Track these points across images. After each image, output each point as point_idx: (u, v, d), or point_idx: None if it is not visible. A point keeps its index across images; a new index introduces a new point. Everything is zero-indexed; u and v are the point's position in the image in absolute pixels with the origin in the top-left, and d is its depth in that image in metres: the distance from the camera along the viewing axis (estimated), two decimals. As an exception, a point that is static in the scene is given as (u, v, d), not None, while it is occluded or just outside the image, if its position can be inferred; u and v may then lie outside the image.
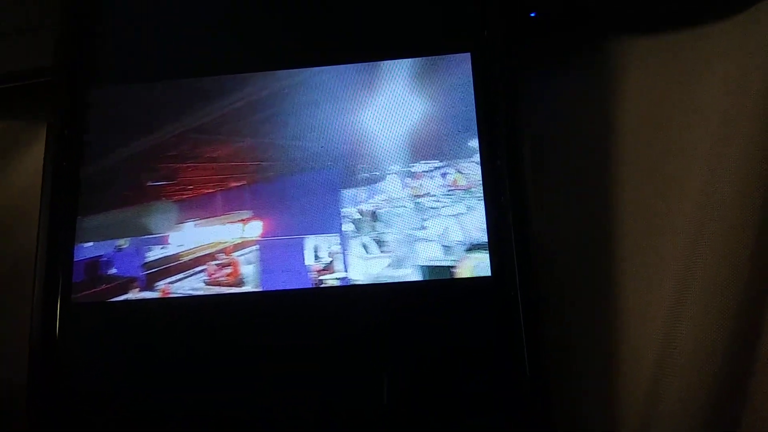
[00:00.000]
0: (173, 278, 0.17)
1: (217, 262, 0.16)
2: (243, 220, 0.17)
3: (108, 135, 0.17)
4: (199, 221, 0.17)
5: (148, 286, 0.17)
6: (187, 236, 0.17)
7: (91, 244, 0.17)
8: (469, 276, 0.16)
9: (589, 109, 0.20)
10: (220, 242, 0.17)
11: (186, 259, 0.17)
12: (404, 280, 0.16)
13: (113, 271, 0.17)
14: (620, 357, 0.18)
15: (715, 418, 0.16)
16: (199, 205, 0.17)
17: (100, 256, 0.17)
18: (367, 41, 0.17)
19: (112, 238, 0.17)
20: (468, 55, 0.17)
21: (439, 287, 0.16)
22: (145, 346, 0.16)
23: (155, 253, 0.17)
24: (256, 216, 0.17)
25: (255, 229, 0.17)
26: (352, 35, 0.18)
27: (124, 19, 0.18)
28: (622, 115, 0.19)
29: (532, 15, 0.19)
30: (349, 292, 0.16)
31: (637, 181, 0.19)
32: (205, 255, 0.17)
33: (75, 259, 0.17)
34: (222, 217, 0.17)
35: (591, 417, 0.17)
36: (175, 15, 0.18)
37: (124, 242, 0.17)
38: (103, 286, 0.17)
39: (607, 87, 0.20)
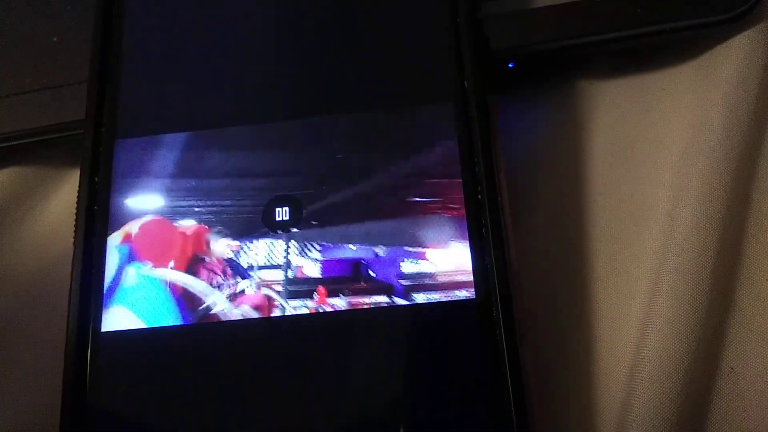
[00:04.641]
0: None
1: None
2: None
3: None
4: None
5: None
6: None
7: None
8: (454, 299, 0.17)
9: (563, 142, 0.22)
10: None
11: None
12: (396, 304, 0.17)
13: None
14: (596, 371, 0.19)
15: (682, 423, 0.18)
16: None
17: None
18: (351, 93, 0.19)
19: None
20: (450, 105, 0.18)
21: (424, 310, 0.17)
22: (190, 379, 0.17)
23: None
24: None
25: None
26: (342, 87, 0.19)
27: (150, 76, 0.20)
28: (595, 149, 0.21)
29: (510, 66, 0.21)
30: (332, 318, 0.17)
31: (610, 209, 0.21)
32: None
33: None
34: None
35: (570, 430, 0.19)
36: (200, 70, 0.20)
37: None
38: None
39: (578, 124, 0.22)
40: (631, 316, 0.19)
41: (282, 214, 0.18)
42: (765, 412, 0.18)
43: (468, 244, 0.17)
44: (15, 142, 0.23)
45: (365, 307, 0.17)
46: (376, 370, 0.17)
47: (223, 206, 0.19)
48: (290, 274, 0.18)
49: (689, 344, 0.18)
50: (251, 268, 0.18)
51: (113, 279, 0.18)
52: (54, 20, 0.24)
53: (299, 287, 0.18)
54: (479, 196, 0.17)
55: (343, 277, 0.18)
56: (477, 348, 0.16)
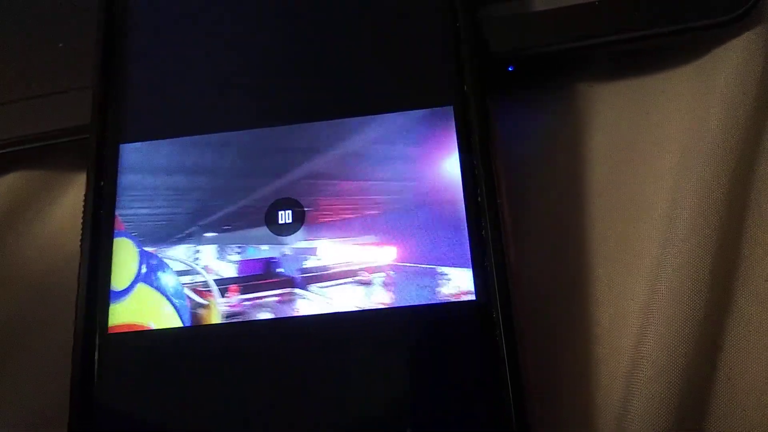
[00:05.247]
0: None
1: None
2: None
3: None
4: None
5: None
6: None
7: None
8: (454, 301, 0.17)
9: (562, 144, 0.22)
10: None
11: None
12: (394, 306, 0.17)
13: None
14: (596, 372, 0.19)
15: (681, 423, 0.18)
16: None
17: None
18: (350, 97, 0.19)
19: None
20: (450, 108, 0.18)
21: (424, 312, 0.17)
22: (196, 379, 0.17)
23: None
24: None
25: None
26: (342, 91, 0.20)
27: (154, 81, 0.21)
28: (594, 150, 0.21)
29: (510, 69, 0.21)
30: (334, 319, 0.17)
31: (610, 210, 0.21)
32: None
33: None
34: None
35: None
36: (206, 72, 0.20)
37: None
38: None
39: (577, 125, 0.22)
40: (630, 317, 0.19)
41: (285, 217, 0.19)
42: (764, 412, 0.18)
43: (468, 246, 0.17)
44: (22, 147, 0.24)
45: (367, 308, 0.17)
46: (375, 370, 0.17)
47: (227, 207, 0.19)
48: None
49: (688, 344, 0.18)
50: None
51: (120, 280, 0.19)
52: (59, 26, 0.25)
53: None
54: (479, 198, 0.18)
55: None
56: (477, 349, 0.17)
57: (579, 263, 0.20)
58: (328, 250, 0.18)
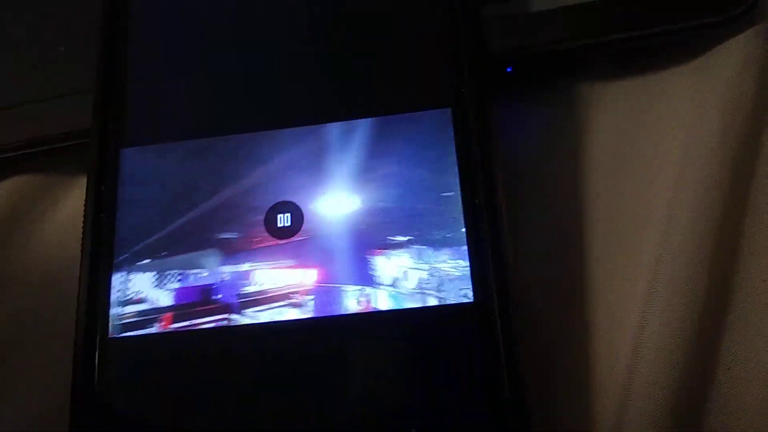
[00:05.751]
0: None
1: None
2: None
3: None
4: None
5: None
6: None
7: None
8: (452, 303, 0.17)
9: (562, 144, 0.22)
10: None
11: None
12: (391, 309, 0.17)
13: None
14: (595, 371, 0.19)
15: (679, 423, 0.18)
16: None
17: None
18: (349, 100, 0.19)
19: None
20: (448, 110, 0.18)
21: (421, 314, 0.17)
22: (197, 383, 0.17)
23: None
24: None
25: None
26: (339, 94, 0.20)
27: (155, 86, 0.21)
28: (594, 150, 0.21)
29: (509, 70, 0.21)
30: (332, 322, 0.17)
31: (610, 210, 0.21)
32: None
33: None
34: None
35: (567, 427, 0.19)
36: (206, 76, 0.21)
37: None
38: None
39: (577, 125, 0.22)
40: (629, 316, 0.19)
41: (284, 220, 0.19)
42: (763, 411, 0.18)
43: (466, 248, 0.17)
44: (23, 151, 0.24)
45: (366, 311, 0.17)
46: (374, 373, 0.17)
47: (228, 212, 0.19)
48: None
49: (686, 344, 0.18)
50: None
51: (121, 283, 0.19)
52: (61, 30, 0.25)
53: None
54: (477, 200, 0.18)
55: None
56: (475, 350, 0.17)
57: (578, 264, 0.20)
58: (336, 252, 0.18)
